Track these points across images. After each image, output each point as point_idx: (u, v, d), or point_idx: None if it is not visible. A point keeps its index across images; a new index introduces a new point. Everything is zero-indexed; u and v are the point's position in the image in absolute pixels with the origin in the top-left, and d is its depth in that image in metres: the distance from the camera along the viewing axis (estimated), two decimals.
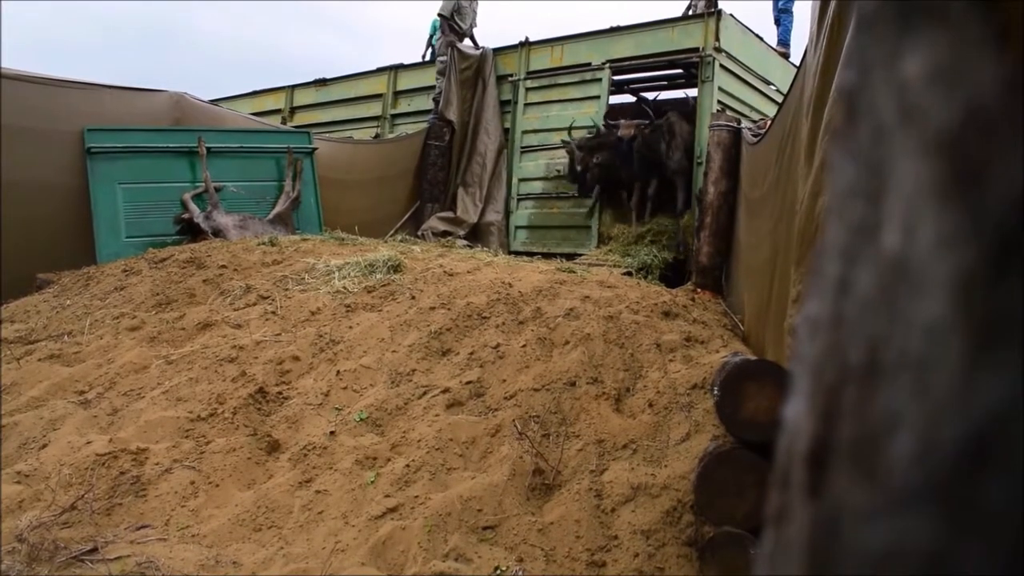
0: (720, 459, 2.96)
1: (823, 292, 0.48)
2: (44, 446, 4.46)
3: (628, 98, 11.72)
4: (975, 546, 0.37)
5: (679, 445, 3.48)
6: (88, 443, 4.30)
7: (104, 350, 5.63)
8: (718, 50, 9.26)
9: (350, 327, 5.33)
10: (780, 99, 6.48)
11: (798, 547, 0.46)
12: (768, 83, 10.56)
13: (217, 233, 8.56)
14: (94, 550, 3.34)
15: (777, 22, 11.32)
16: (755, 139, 6.25)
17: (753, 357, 3.61)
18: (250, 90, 14.53)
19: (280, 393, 4.65)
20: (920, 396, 0.40)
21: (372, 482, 3.66)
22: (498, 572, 3.02)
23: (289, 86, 13.81)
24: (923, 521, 0.39)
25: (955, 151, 0.41)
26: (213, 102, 11.18)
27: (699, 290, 6.89)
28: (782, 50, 11.09)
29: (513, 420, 3.82)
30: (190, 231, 8.68)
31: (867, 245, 0.45)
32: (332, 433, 4.12)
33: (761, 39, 10.43)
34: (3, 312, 7.05)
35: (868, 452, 0.42)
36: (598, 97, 10.01)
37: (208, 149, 9.06)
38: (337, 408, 4.39)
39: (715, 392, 2.99)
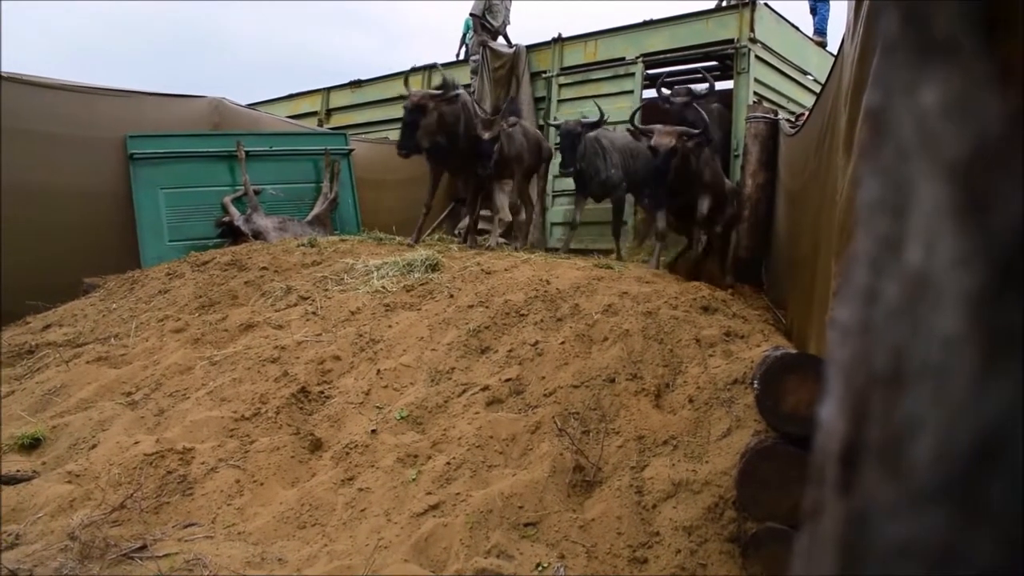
0: (762, 454, 2.94)
1: (853, 299, 0.50)
2: (94, 446, 4.55)
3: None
4: (984, 540, 0.41)
5: (720, 441, 3.46)
6: (136, 443, 4.39)
7: (150, 352, 5.74)
8: (753, 41, 9.17)
9: (389, 326, 5.37)
10: (818, 89, 6.40)
11: (831, 540, 0.50)
12: (805, 73, 10.43)
13: (257, 235, 8.67)
14: (143, 547, 3.41)
15: (813, 11, 11.17)
16: (793, 130, 6.19)
17: (794, 351, 3.57)
18: (286, 93, 14.67)
19: (322, 392, 4.71)
20: (938, 402, 0.43)
21: (414, 479, 3.69)
22: (540, 569, 3.03)
23: (325, 88, 13.91)
24: (940, 516, 0.42)
25: (967, 178, 0.44)
26: (250, 106, 11.31)
27: (739, 284, 6.83)
28: (819, 39, 10.94)
29: (553, 417, 3.82)
30: (231, 234, 8.81)
31: (892, 258, 0.47)
32: (373, 431, 4.16)
33: (797, 28, 10.30)
34: (52, 315, 7.21)
35: (893, 453, 0.45)
36: (632, 92, 9.96)
37: (247, 153, 9.18)
38: (378, 406, 4.43)
39: (756, 386, 2.97)
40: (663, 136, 6.54)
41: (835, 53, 4.07)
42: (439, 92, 7.98)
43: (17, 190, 8.00)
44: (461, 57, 12.62)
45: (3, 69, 8.33)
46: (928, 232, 0.45)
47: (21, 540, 3.58)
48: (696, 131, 6.71)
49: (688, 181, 6.83)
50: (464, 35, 12.63)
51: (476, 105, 8.76)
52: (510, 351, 4.64)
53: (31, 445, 4.78)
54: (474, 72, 11.26)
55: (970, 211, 0.43)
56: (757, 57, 9.26)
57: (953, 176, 0.44)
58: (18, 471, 4.46)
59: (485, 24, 11.20)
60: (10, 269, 7.66)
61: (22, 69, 8.57)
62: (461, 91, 8.33)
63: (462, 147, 8.17)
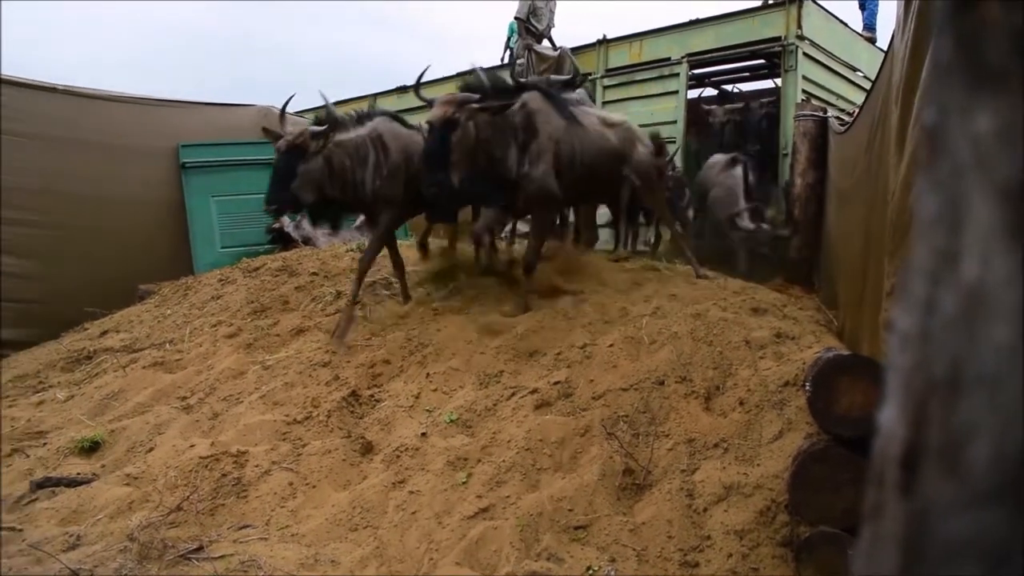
0: (814, 457, 2.91)
1: (912, 309, 0.52)
2: (151, 449, 4.66)
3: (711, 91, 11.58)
4: None
5: (772, 443, 3.43)
6: (191, 446, 4.48)
7: (204, 357, 5.85)
8: (801, 38, 9.05)
9: (438, 330, 5.40)
10: (868, 86, 6.30)
11: (893, 539, 0.52)
12: (854, 69, 10.26)
13: (307, 241, 8.79)
14: (200, 549, 3.48)
15: (862, 6, 10.98)
16: (843, 128, 6.10)
17: (846, 352, 3.52)
18: (333, 100, 14.81)
19: (372, 396, 4.76)
20: (994, 408, 0.46)
21: (464, 482, 3.71)
22: (590, 572, 3.03)
23: (371, 94, 14.02)
24: (996, 515, 0.46)
25: (1019, 200, 0.46)
26: (298, 113, 11.44)
27: (789, 284, 6.74)
28: (868, 35, 10.76)
29: (602, 420, 3.82)
30: (281, 240, 8.94)
31: (949, 270, 0.50)
32: (423, 434, 4.19)
33: (845, 24, 10.14)
34: (109, 322, 7.40)
35: (952, 455, 0.48)
36: (677, 92, 9.90)
37: None
38: (427, 410, 4.46)
39: (807, 388, 2.94)
40: (437, 107, 5.26)
41: (885, 49, 4.00)
42: (322, 129, 6.04)
43: (73, 199, 8.24)
44: (506, 61, 12.63)
45: (56, 82, 8.59)
46: (983, 248, 0.47)
47: (82, 541, 3.67)
48: (474, 96, 5.28)
49: (502, 163, 5.41)
50: (509, 39, 12.63)
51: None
52: (558, 354, 4.64)
53: (91, 448, 4.90)
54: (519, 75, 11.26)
55: (1022, 230, 0.46)
56: (805, 54, 9.13)
57: (1006, 197, 0.47)
58: (78, 474, 4.58)
59: (529, 28, 11.20)
60: (68, 276, 7.91)
61: (74, 81, 8.82)
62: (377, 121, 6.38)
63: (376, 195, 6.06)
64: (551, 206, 5.79)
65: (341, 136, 6.10)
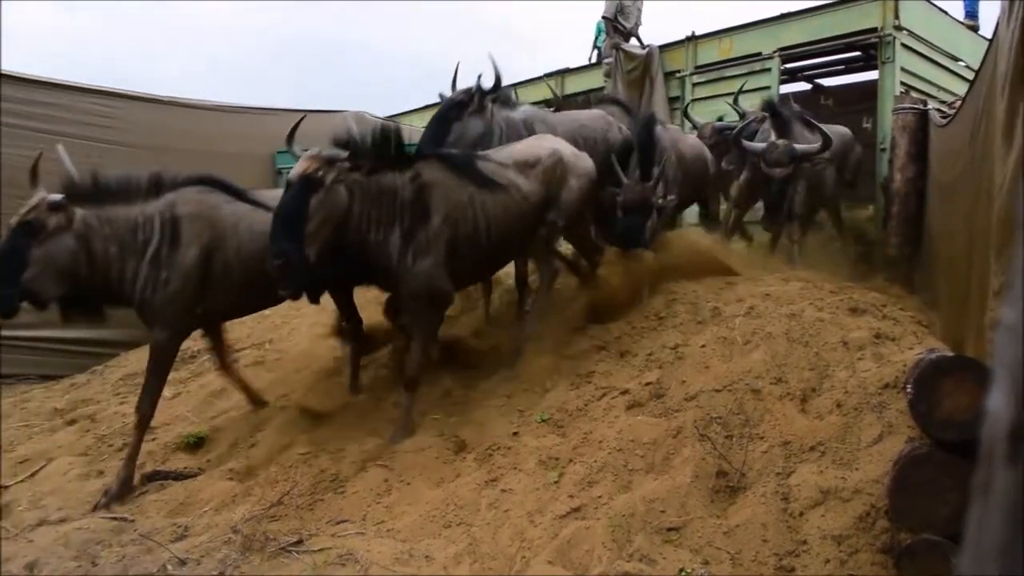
0: (916, 462, 2.82)
1: (1018, 303, 0.56)
2: (252, 446, 4.84)
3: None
4: None
5: (871, 447, 3.33)
6: (291, 443, 4.63)
7: (302, 356, 6.02)
8: (898, 28, 8.74)
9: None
10: (970, 76, 6.07)
11: (1003, 506, 0.57)
12: (956, 59, 9.87)
13: None
14: (299, 542, 3.61)
15: None
16: (944, 120, 5.89)
17: (950, 353, 3.41)
18: (423, 104, 15.03)
19: (464, 395, 4.81)
20: None
21: (555, 482, 3.73)
22: (683, 574, 3.01)
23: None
24: None
25: None
26: (389, 118, 11.68)
27: (889, 283, 6.52)
28: (970, 23, 10.33)
29: (694, 421, 3.78)
30: None
31: None
32: (515, 434, 4.23)
33: (945, 13, 9.77)
34: None
35: None
36: (768, 88, 9.68)
37: None
38: (519, 409, 4.49)
39: (908, 390, 2.86)
40: (299, 162, 4.32)
41: (989, 38, 3.85)
42: (60, 199, 4.37)
43: None
44: (594, 60, 12.59)
45: (161, 94, 9.02)
46: None
47: (189, 532, 3.85)
48: (343, 154, 4.40)
49: (381, 248, 4.48)
50: (596, 38, 12.60)
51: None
52: (650, 355, 4.61)
53: (196, 444, 5.14)
54: (607, 75, 11.21)
55: None
56: (903, 45, 8.83)
57: None
58: (185, 468, 4.80)
59: (617, 26, 11.15)
60: None
61: (182, 92, 9.23)
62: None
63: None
64: (439, 304, 4.79)
65: (114, 209, 4.54)
